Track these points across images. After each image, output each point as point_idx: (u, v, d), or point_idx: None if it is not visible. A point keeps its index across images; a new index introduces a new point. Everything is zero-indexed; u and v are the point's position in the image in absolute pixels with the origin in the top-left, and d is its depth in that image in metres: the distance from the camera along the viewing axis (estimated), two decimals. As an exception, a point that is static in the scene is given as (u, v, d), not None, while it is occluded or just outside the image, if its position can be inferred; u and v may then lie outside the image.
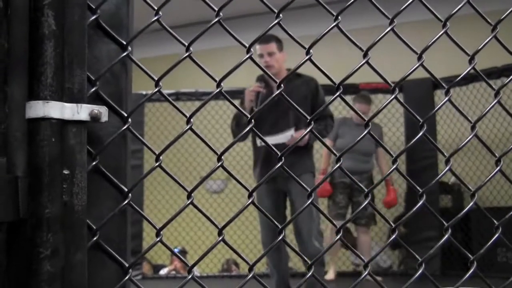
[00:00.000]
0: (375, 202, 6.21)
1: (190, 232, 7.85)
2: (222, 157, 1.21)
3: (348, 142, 5.63)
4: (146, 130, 7.45)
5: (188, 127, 1.17)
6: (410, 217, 1.44)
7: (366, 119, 1.34)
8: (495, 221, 1.46)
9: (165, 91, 1.29)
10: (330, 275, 6.04)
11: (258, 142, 4.12)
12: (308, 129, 1.31)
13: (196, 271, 7.49)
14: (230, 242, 1.25)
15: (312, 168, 4.33)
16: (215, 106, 7.64)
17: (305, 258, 1.34)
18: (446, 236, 1.39)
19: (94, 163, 1.06)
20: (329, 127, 4.25)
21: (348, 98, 6.06)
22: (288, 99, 1.32)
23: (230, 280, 6.53)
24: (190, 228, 7.78)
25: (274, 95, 1.26)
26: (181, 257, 1.30)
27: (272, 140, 3.97)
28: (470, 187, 1.47)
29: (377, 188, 5.98)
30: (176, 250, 7.41)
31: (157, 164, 1.15)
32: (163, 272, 7.52)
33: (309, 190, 1.29)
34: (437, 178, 1.54)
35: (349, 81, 1.36)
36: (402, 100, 1.49)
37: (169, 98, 1.22)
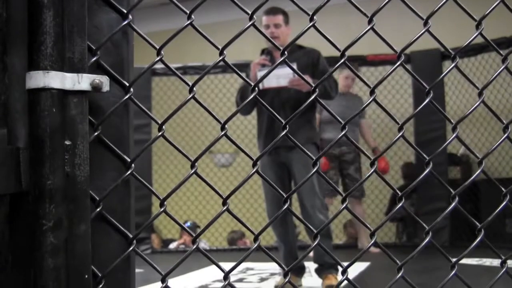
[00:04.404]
0: (363, 171, 6.18)
1: (199, 206, 7.89)
2: (226, 126, 1.20)
3: (334, 112, 5.45)
4: (154, 104, 7.46)
5: (191, 95, 1.16)
6: (417, 186, 1.42)
7: (371, 86, 1.33)
8: (503, 189, 1.44)
9: (172, 65, 1.27)
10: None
11: (260, 85, 4.03)
12: (312, 96, 1.29)
13: (206, 244, 7.47)
14: (239, 215, 1.24)
15: (316, 138, 4.22)
16: (223, 79, 7.63)
17: (311, 227, 1.33)
18: (454, 204, 1.38)
19: (96, 133, 1.05)
20: (332, 84, 4.14)
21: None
22: (291, 66, 1.33)
23: (239, 253, 6.56)
24: (199, 201, 7.82)
25: (277, 63, 1.25)
26: (186, 228, 1.29)
27: (273, 81, 3.98)
28: (477, 155, 1.45)
29: (365, 158, 6.00)
30: (187, 225, 7.44)
31: (160, 133, 1.14)
32: (172, 246, 7.56)
33: (314, 158, 1.27)
34: (445, 145, 1.54)
35: (356, 52, 1.35)
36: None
37: (172, 68, 1.20)
